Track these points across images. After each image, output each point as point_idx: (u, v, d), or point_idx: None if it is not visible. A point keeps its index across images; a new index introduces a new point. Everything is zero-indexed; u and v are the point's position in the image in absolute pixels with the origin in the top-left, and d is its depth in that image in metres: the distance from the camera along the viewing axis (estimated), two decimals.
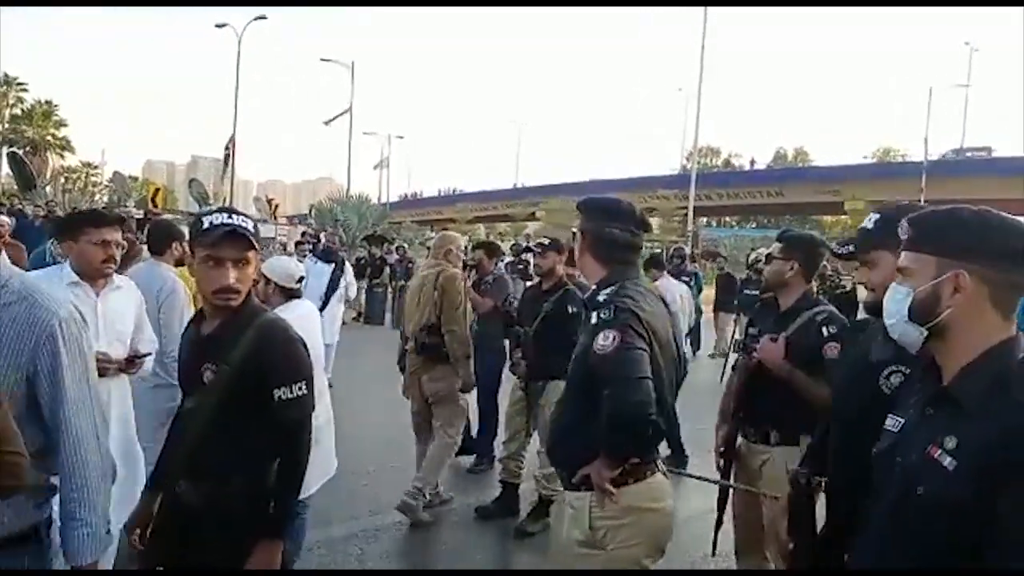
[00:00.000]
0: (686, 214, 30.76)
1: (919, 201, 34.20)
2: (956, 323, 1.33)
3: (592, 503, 2.24)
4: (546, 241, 4.82)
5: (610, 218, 2.41)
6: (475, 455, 5.84)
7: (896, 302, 1.41)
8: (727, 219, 61.20)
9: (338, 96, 55.61)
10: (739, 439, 3.15)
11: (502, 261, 7.65)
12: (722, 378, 9.72)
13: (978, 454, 1.23)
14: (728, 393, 3.32)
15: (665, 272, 7.88)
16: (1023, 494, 1.16)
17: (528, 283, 6.01)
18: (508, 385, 5.25)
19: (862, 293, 2.18)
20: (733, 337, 10.56)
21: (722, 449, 3.16)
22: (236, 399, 2.03)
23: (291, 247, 12.55)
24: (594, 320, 2.24)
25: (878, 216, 2.06)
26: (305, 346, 2.16)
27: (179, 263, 3.97)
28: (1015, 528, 1.17)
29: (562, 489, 2.49)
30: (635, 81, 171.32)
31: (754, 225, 57.44)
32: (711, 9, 28.15)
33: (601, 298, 2.29)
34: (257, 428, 2.04)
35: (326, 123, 38.35)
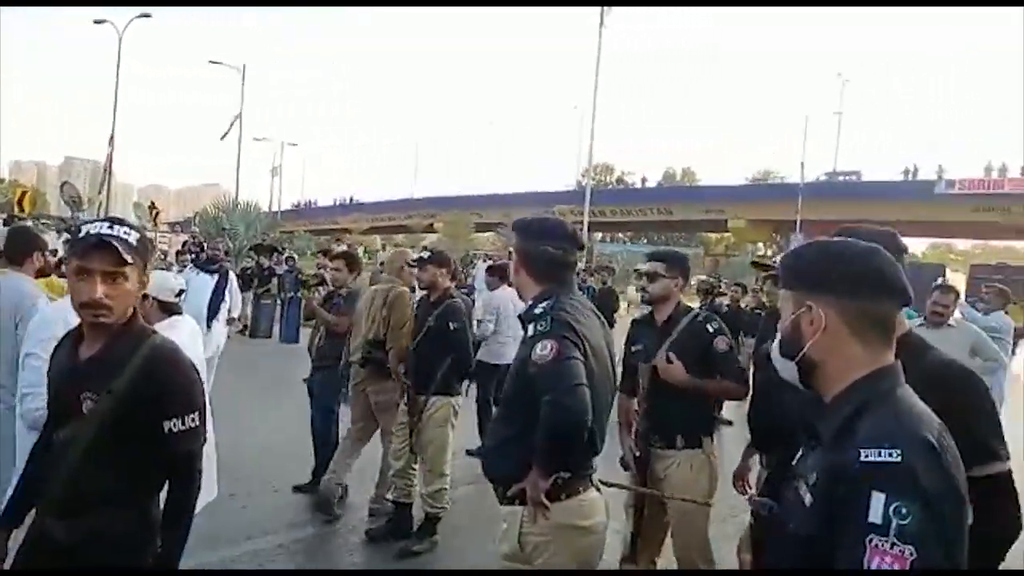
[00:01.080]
0: (581, 230, 31.52)
1: (795, 224, 36.00)
2: (820, 356, 1.34)
3: (524, 517, 2.27)
4: (426, 254, 4.79)
5: (544, 237, 2.46)
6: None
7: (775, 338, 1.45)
8: (620, 235, 63.11)
9: (228, 100, 53.66)
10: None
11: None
12: None
13: (824, 489, 1.23)
14: (621, 405, 3.44)
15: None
16: (845, 535, 1.16)
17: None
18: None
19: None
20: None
21: (637, 455, 3.34)
22: (120, 430, 1.88)
23: (172, 256, 11.91)
24: (531, 332, 2.30)
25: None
26: (197, 371, 2.03)
27: (41, 274, 3.67)
28: (842, 571, 1.17)
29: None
30: (534, 96, 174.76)
31: (645, 241, 59.45)
32: (607, 28, 28.94)
33: (538, 311, 2.34)
34: (143, 461, 1.90)
35: (221, 138, 37.04)
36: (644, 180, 57.32)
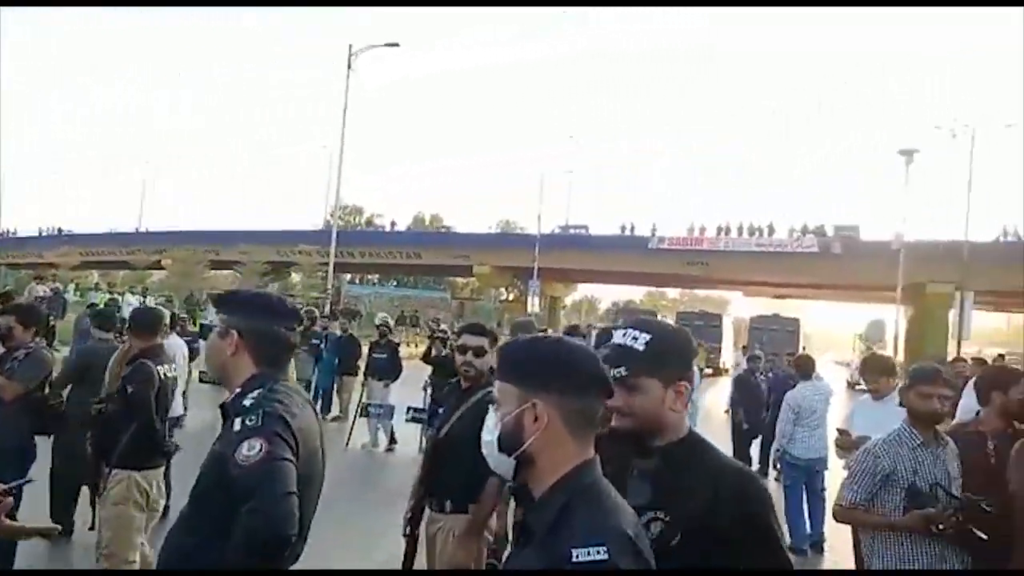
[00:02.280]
0: (327, 270, 30.61)
1: (532, 267, 38.22)
2: (538, 452, 1.36)
3: None
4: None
5: (276, 316, 2.22)
6: None
7: (488, 431, 1.43)
8: (369, 276, 62.64)
9: None
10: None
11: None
12: (347, 442, 9.59)
13: None
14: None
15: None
16: None
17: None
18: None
19: None
20: (360, 400, 10.43)
21: (409, 516, 3.51)
22: None
23: None
24: (238, 427, 1.95)
25: (648, 337, 1.70)
26: None
27: None
28: None
29: None
30: (281, 133, 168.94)
31: (395, 284, 59.59)
32: (355, 71, 28.84)
33: (247, 402, 2.02)
34: None
35: None
36: (394, 224, 57.68)
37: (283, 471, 1.90)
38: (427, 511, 3.53)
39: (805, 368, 7.58)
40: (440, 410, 3.66)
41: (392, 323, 13.09)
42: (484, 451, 1.44)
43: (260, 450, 1.90)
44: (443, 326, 15.89)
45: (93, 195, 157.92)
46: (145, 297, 23.31)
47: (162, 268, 43.56)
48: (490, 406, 3.09)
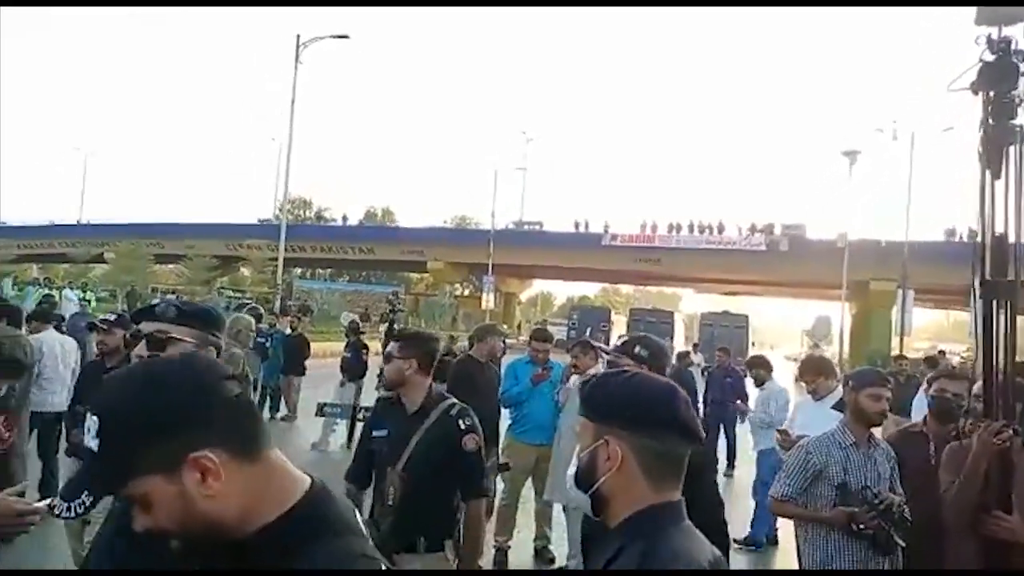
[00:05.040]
0: (276, 264, 30.02)
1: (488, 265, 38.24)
2: (610, 490, 1.31)
3: None
4: (112, 317, 4.34)
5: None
6: None
7: (571, 465, 1.39)
8: (320, 271, 61.68)
9: None
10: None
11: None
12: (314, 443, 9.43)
13: None
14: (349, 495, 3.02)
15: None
16: None
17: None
18: None
19: None
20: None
21: None
22: None
23: None
24: None
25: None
26: None
27: None
28: None
29: None
30: (229, 124, 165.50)
31: (347, 279, 58.80)
32: (302, 63, 28.31)
33: None
34: None
35: None
36: (345, 218, 56.86)
37: None
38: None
39: (761, 372, 7.45)
40: (382, 432, 3.03)
41: (360, 323, 12.89)
42: (566, 482, 1.40)
43: None
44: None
45: (29, 185, 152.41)
46: (85, 292, 22.48)
47: (104, 262, 42.19)
48: (459, 420, 2.89)
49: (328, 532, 1.01)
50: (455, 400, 3.05)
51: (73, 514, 0.92)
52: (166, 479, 0.95)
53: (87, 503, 0.93)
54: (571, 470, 1.38)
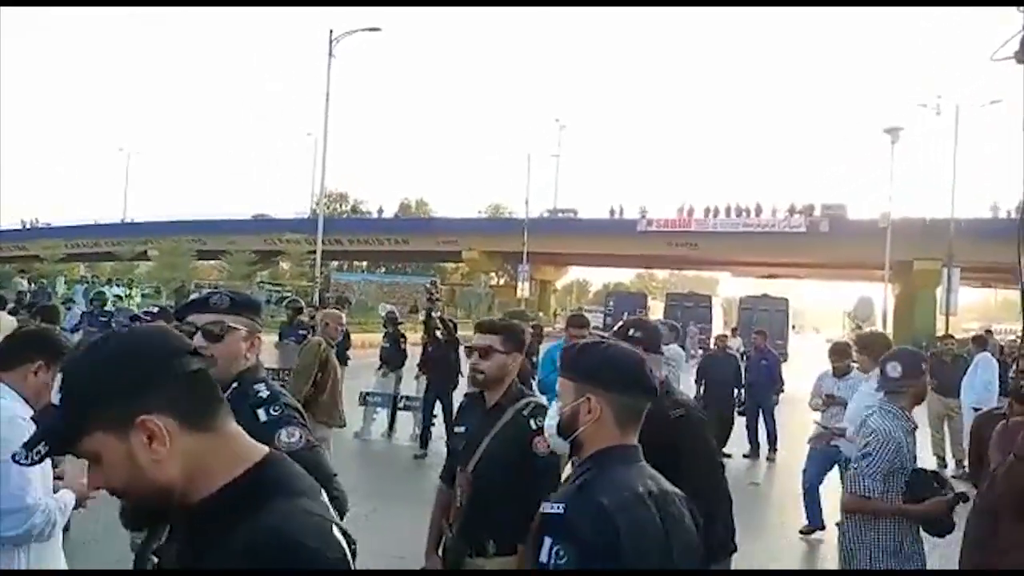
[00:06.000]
0: (314, 258, 30.41)
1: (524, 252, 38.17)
2: (587, 436, 1.63)
3: None
4: (155, 309, 4.34)
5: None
6: None
7: (551, 418, 1.69)
8: (357, 263, 62.29)
9: None
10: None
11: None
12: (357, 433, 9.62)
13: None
14: (439, 495, 2.97)
15: None
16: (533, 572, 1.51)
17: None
18: None
19: None
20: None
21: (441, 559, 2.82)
22: None
23: None
24: (263, 417, 2.03)
25: None
26: None
27: None
28: None
29: None
30: (265, 120, 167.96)
31: (384, 270, 59.30)
32: (335, 57, 28.51)
33: (264, 394, 2.09)
34: None
35: None
36: (380, 210, 57.32)
37: (324, 455, 2.10)
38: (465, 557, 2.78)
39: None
40: (461, 429, 2.92)
41: (398, 314, 12.98)
42: (546, 432, 1.72)
43: (300, 437, 1.98)
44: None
45: (75, 186, 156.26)
46: (131, 289, 23.08)
47: (148, 259, 43.15)
48: (531, 420, 2.79)
49: (279, 495, 1.04)
50: (532, 397, 2.88)
51: (30, 462, 1.00)
52: (117, 438, 1.01)
53: (43, 452, 1.01)
54: (552, 421, 1.67)
